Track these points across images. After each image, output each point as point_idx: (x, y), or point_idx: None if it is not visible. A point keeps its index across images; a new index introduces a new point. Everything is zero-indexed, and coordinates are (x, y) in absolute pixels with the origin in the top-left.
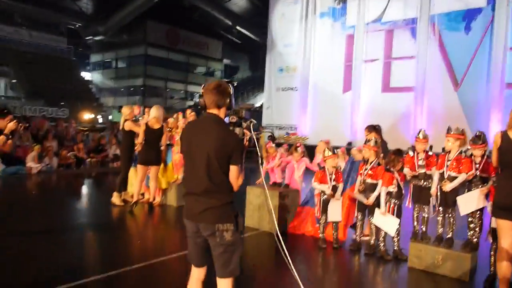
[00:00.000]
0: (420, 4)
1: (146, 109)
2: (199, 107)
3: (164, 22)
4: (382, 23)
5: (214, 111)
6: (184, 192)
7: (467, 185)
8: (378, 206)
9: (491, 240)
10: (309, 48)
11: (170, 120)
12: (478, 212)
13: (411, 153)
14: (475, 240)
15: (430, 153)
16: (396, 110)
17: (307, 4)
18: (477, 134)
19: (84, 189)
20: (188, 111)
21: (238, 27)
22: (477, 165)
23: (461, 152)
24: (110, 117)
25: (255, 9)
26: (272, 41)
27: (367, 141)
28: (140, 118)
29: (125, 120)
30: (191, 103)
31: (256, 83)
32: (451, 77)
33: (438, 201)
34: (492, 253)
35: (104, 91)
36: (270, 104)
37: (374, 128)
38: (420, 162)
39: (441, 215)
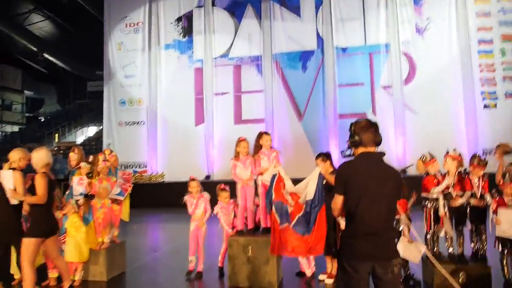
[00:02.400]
0: (263, 43)
1: None
2: (352, 145)
3: None
4: (230, 58)
5: (372, 149)
6: (355, 233)
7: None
8: None
9: (500, 248)
10: (155, 80)
11: (83, 164)
12: (483, 225)
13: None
14: (482, 251)
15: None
16: (250, 141)
17: (149, 34)
18: (479, 156)
19: None
20: (107, 152)
21: (45, 55)
22: (477, 183)
23: (460, 173)
24: None
25: (66, 35)
26: (109, 72)
27: None
28: None
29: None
30: None
31: (71, 118)
32: (295, 109)
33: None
34: (505, 262)
35: None
36: (111, 140)
37: (327, 156)
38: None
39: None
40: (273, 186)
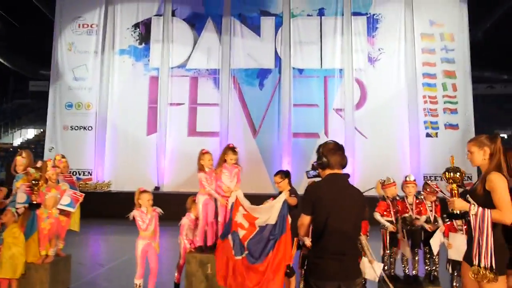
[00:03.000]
0: (221, 57)
1: None
2: (319, 167)
3: None
4: (187, 69)
5: (338, 171)
6: (323, 252)
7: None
8: None
9: (450, 270)
10: (107, 85)
11: (32, 170)
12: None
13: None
14: (435, 272)
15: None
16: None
17: (104, 38)
18: (429, 182)
19: None
20: (58, 157)
21: None
22: (430, 208)
23: (417, 197)
24: None
25: (9, 29)
26: (57, 72)
27: None
28: None
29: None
30: None
31: (8, 118)
32: (250, 125)
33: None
34: (454, 283)
35: None
36: (54, 144)
37: (286, 174)
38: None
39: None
40: (232, 215)
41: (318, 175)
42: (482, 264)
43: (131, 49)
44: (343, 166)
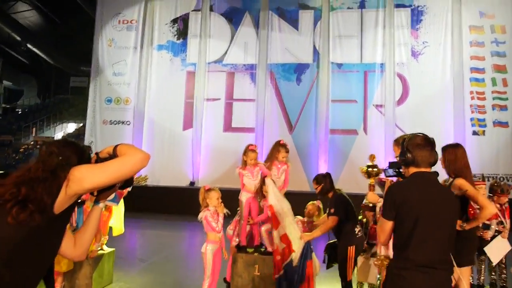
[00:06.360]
0: (258, 52)
1: None
2: (403, 164)
3: None
4: (224, 64)
5: (426, 169)
6: (409, 264)
7: None
8: None
9: None
10: (145, 80)
11: None
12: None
13: None
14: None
15: None
16: (238, 150)
17: (143, 33)
18: (501, 184)
19: None
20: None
21: (28, 45)
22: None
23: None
24: None
25: (52, 26)
26: (97, 67)
27: None
28: None
29: None
30: None
31: (50, 112)
32: (286, 121)
33: None
34: None
35: None
36: (93, 138)
37: (320, 180)
38: None
39: None
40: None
41: (398, 174)
42: (382, 253)
43: (169, 45)
44: (432, 164)
